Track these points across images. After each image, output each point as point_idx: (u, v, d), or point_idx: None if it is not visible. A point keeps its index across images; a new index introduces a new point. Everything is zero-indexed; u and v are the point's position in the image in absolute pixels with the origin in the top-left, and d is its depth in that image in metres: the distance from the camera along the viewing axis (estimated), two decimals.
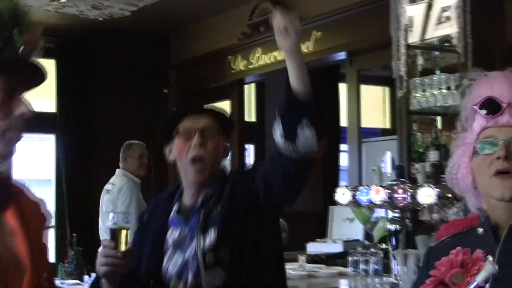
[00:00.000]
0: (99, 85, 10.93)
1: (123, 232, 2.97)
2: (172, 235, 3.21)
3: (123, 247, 2.95)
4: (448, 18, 6.11)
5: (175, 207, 3.28)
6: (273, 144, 3.01)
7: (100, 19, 9.30)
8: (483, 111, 2.17)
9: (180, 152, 3.16)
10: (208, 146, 3.15)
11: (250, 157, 10.68)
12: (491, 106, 2.17)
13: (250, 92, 10.83)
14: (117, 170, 8.16)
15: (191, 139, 3.14)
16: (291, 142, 2.91)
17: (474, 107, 2.19)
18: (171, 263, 3.18)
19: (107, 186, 8.27)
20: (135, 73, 10.92)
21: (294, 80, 2.91)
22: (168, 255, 3.20)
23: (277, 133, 2.94)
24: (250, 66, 9.41)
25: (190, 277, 3.12)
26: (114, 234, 2.95)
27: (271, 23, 2.96)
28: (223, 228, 3.11)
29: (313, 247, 7.69)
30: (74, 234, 8.85)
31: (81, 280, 7.26)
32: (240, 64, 9.58)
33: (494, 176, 2.10)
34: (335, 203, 5.86)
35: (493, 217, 2.16)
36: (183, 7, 9.41)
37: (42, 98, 10.36)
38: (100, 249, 2.98)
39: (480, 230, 2.18)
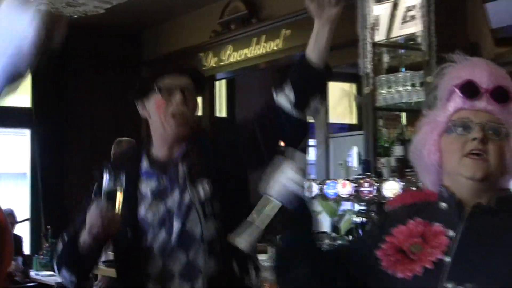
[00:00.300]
0: (74, 80, 10.87)
1: (118, 195, 3.01)
2: (149, 185, 3.20)
3: (118, 209, 3.00)
4: (413, 18, 6.12)
5: (145, 161, 3.28)
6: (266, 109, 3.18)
7: (75, 16, 9.23)
8: (462, 93, 2.15)
9: (160, 107, 3.17)
10: (188, 103, 3.20)
11: None
12: (470, 89, 2.15)
13: (221, 88, 10.81)
14: None
15: (171, 96, 3.17)
16: (301, 110, 3.05)
17: (454, 87, 2.17)
18: (150, 212, 3.18)
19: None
20: (109, 69, 10.89)
21: (321, 51, 3.00)
22: (145, 205, 3.20)
23: (285, 101, 3.04)
24: (221, 63, 9.40)
25: (176, 225, 3.15)
26: (110, 196, 3.01)
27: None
28: (214, 180, 3.16)
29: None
30: (49, 227, 8.80)
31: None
32: (211, 61, 9.57)
33: (466, 156, 2.09)
34: None
35: (457, 195, 2.15)
36: (156, 5, 9.37)
37: (17, 93, 10.28)
38: (92, 212, 2.96)
39: (444, 205, 2.17)
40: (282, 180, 2.29)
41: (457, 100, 2.16)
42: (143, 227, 3.17)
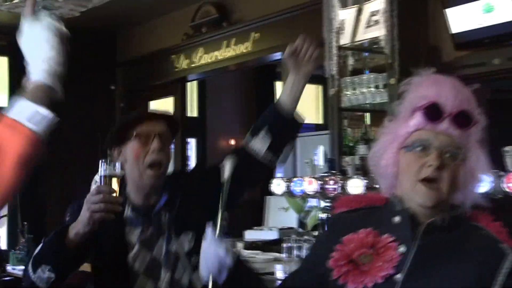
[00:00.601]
0: None
1: (116, 179, 3.00)
2: (134, 233, 3.17)
3: (117, 193, 2.98)
4: (376, 22, 6.16)
5: (128, 207, 3.21)
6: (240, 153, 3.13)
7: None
8: (425, 114, 2.14)
9: (137, 156, 3.13)
10: (166, 150, 3.17)
11: (192, 150, 10.65)
12: (434, 112, 2.13)
13: (192, 89, 10.78)
14: None
15: (148, 144, 3.12)
16: (274, 156, 3.16)
17: (418, 107, 2.16)
18: (138, 261, 3.15)
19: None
20: (84, 70, 10.81)
21: (295, 101, 3.18)
22: (134, 253, 3.16)
23: (259, 146, 3.11)
24: (193, 65, 9.38)
25: (163, 274, 3.13)
26: (109, 181, 2.98)
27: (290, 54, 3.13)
28: (198, 233, 3.01)
29: (250, 235, 7.70)
30: (25, 223, 8.75)
31: None
32: (183, 63, 9.55)
33: (420, 182, 2.08)
34: (271, 193, 5.88)
35: (410, 206, 2.14)
36: (129, 9, 9.34)
37: None
38: (92, 197, 2.91)
39: (397, 219, 2.14)
40: (209, 256, 2.33)
41: (420, 119, 2.15)
42: (131, 275, 3.13)
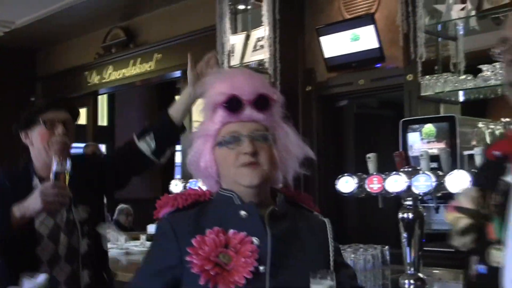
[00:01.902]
0: None
1: (67, 175, 3.00)
2: None
3: (67, 188, 2.99)
4: (262, 47, 6.19)
5: (36, 179, 3.24)
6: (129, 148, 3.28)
7: None
8: (227, 109, 2.00)
9: (44, 139, 3.19)
10: (69, 134, 3.23)
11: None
12: (234, 104, 1.99)
13: (103, 101, 10.66)
14: None
15: (54, 129, 3.19)
16: (158, 156, 3.24)
17: (218, 104, 2.01)
18: (43, 226, 3.14)
19: None
20: (6, 84, 10.60)
21: (185, 112, 3.19)
22: (40, 220, 3.14)
23: (146, 147, 3.20)
24: (103, 81, 9.29)
25: (62, 239, 3.17)
26: (61, 176, 2.97)
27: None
28: (92, 206, 3.30)
29: (152, 228, 7.61)
30: None
31: None
32: (95, 79, 9.44)
33: (241, 166, 1.96)
34: (170, 193, 5.83)
35: (238, 193, 1.99)
36: (48, 30, 9.16)
37: None
38: (48, 190, 2.92)
39: (243, 212, 1.97)
40: None
41: (223, 114, 2.01)
42: (36, 237, 3.12)
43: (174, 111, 3.19)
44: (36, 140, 3.23)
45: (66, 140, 3.22)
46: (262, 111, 2.01)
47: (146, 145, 3.20)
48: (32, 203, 2.92)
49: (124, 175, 3.45)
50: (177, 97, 10.09)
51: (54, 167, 2.99)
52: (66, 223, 3.20)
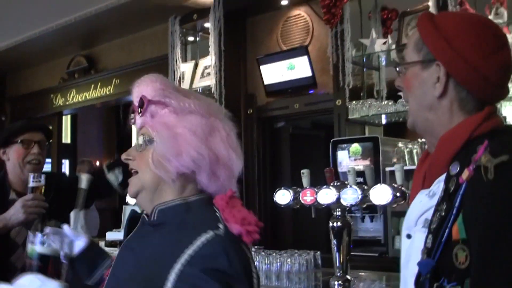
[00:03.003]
0: None
1: (42, 188, 3.04)
2: None
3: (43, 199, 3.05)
4: (209, 74, 6.17)
5: (12, 192, 3.26)
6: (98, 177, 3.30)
7: None
8: (133, 116, 1.72)
9: (20, 156, 3.22)
10: (42, 153, 3.27)
11: (66, 169, 10.29)
12: (131, 112, 1.72)
13: (66, 121, 10.44)
14: None
15: (30, 148, 3.22)
16: (124, 187, 3.19)
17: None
18: (19, 236, 3.12)
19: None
20: None
21: None
22: (16, 229, 3.13)
23: (114, 179, 3.24)
24: (67, 103, 9.12)
25: (28, 247, 3.01)
26: (37, 190, 3.03)
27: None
28: (61, 220, 3.11)
29: (110, 235, 7.47)
30: None
31: None
32: (59, 101, 9.27)
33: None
34: (126, 203, 5.74)
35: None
36: (18, 55, 8.98)
37: None
38: (29, 202, 2.97)
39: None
40: None
41: (135, 121, 1.72)
42: (10, 246, 3.10)
43: None
44: (12, 157, 3.25)
45: (40, 158, 3.25)
46: (140, 114, 1.69)
47: (114, 177, 3.23)
48: (14, 214, 2.95)
49: (91, 197, 3.43)
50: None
51: (31, 182, 3.03)
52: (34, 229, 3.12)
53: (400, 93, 1.85)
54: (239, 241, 1.56)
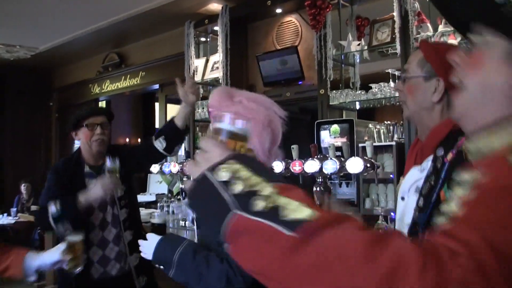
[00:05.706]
0: (6, 102, 10.19)
1: (117, 171, 3.11)
2: (91, 183, 3.12)
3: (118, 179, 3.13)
4: (217, 68, 6.18)
5: (86, 166, 3.29)
6: (149, 145, 3.28)
7: (11, 59, 8.76)
8: None
9: (88, 137, 3.24)
10: (105, 133, 3.27)
11: None
12: None
13: (102, 106, 10.42)
14: None
15: (94, 130, 3.23)
16: (168, 151, 3.25)
17: None
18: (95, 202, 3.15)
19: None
20: (32, 93, 10.39)
21: (184, 119, 3.19)
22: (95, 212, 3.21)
23: (159, 145, 3.21)
24: (102, 91, 9.11)
25: (108, 208, 3.23)
26: (113, 172, 3.09)
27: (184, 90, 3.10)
28: (128, 184, 3.36)
29: (139, 198, 7.56)
30: None
31: None
32: (96, 89, 9.26)
33: None
34: (150, 172, 5.77)
35: None
36: (62, 53, 8.97)
37: None
38: (108, 185, 2.99)
39: None
40: None
41: None
42: (89, 208, 3.11)
43: (177, 119, 3.20)
44: (82, 138, 3.27)
45: (103, 137, 3.25)
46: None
47: (160, 144, 3.21)
48: (95, 192, 2.96)
49: (144, 163, 3.52)
50: (156, 104, 10.01)
51: (108, 164, 3.09)
52: (110, 199, 3.22)
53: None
54: None
